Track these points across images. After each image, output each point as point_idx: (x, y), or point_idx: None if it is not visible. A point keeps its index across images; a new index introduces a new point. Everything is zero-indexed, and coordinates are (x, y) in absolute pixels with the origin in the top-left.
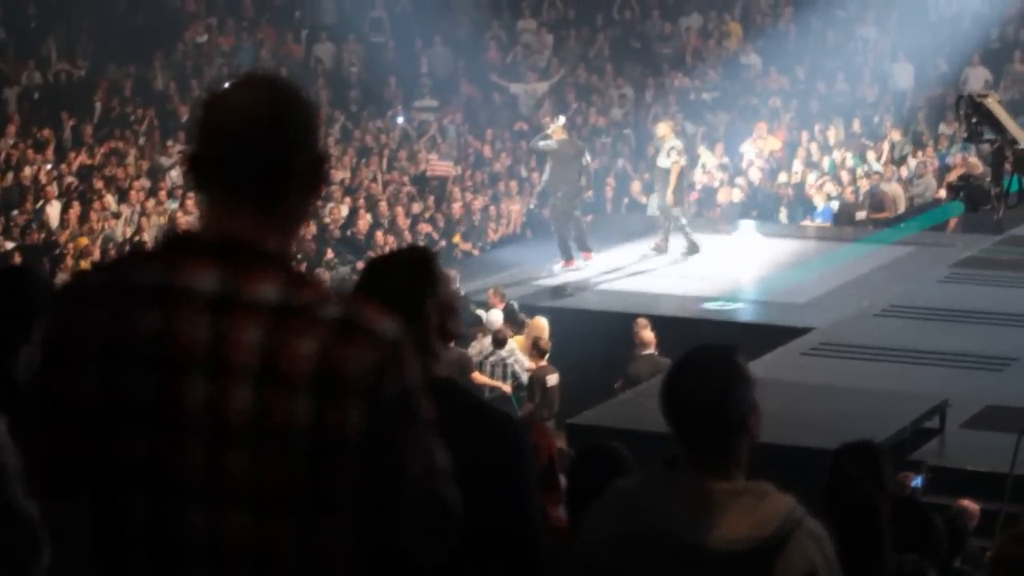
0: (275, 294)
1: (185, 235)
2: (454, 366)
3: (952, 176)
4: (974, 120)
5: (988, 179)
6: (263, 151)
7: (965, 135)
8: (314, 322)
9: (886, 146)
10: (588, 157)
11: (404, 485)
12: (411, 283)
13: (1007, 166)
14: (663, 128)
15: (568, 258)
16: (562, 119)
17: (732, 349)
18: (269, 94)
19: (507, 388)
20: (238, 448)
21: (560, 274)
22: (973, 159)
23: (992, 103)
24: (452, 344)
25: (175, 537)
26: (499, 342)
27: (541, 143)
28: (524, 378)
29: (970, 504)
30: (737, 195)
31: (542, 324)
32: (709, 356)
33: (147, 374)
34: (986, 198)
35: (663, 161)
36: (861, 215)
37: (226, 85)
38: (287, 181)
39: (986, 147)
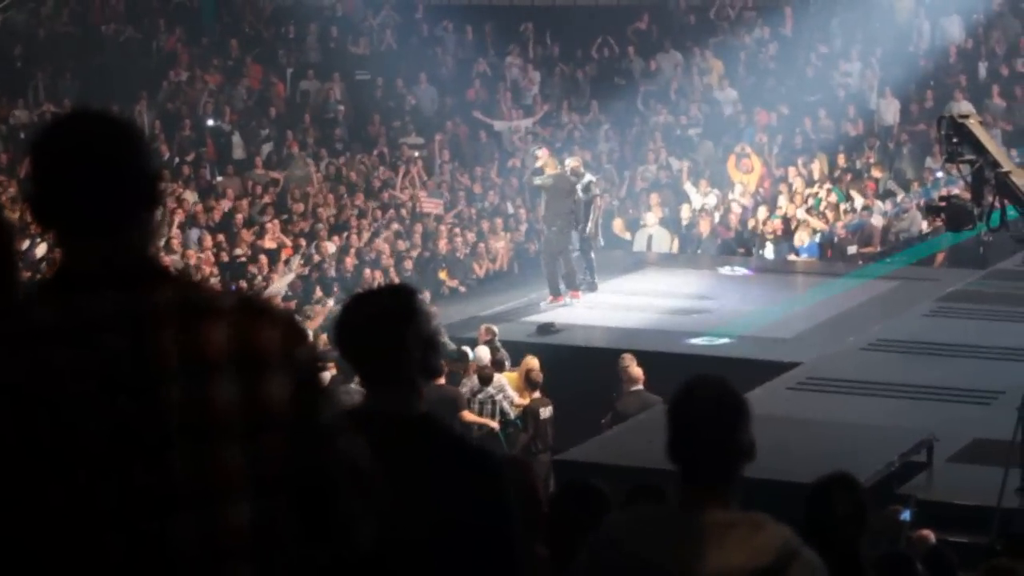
0: (174, 297)
1: (68, 270)
2: (446, 404)
3: (933, 199)
4: (955, 140)
5: (970, 200)
6: (106, 183)
7: (945, 156)
8: (218, 311)
9: (870, 181)
10: (581, 192)
11: (329, 454)
12: (391, 320)
13: (988, 189)
14: (573, 162)
15: (556, 294)
16: (544, 149)
17: (728, 380)
18: (101, 128)
19: (495, 425)
20: (181, 447)
21: (547, 309)
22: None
23: (973, 124)
24: (443, 382)
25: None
26: (484, 379)
27: (536, 180)
28: (512, 414)
29: (928, 534)
30: (722, 230)
31: (533, 362)
32: (716, 386)
33: (80, 403)
34: (968, 218)
35: (582, 195)
36: (852, 249)
37: (53, 125)
38: (130, 201)
39: (966, 168)
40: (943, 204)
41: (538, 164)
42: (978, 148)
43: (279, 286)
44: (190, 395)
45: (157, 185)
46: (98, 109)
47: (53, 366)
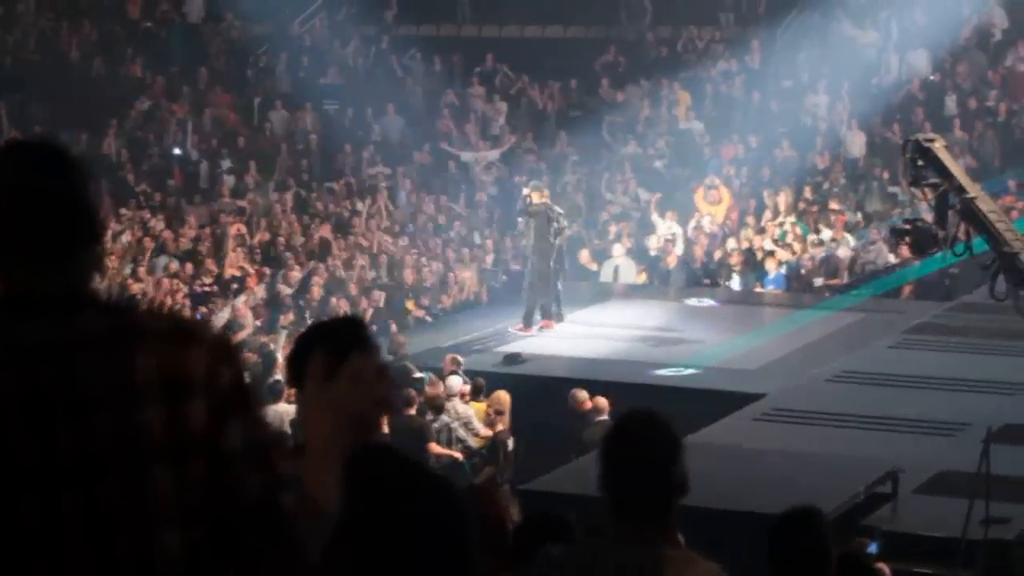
0: (103, 324)
1: (4, 298)
2: (412, 435)
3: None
4: (919, 164)
5: (934, 223)
6: (47, 214)
7: (909, 179)
8: (147, 338)
9: (838, 214)
10: (562, 220)
11: (234, 482)
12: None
13: (952, 214)
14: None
15: (529, 324)
16: (534, 183)
17: (661, 415)
18: (45, 160)
19: (458, 455)
20: (113, 477)
21: (515, 339)
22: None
23: (939, 149)
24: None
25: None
26: (436, 408)
27: (522, 218)
28: (472, 443)
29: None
30: (689, 261)
31: (504, 395)
32: (650, 423)
33: (19, 432)
34: (933, 242)
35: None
36: (818, 281)
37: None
38: (74, 237)
39: (929, 191)
40: (907, 227)
41: (530, 198)
42: (943, 172)
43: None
44: (119, 421)
45: (97, 219)
46: (44, 140)
47: None
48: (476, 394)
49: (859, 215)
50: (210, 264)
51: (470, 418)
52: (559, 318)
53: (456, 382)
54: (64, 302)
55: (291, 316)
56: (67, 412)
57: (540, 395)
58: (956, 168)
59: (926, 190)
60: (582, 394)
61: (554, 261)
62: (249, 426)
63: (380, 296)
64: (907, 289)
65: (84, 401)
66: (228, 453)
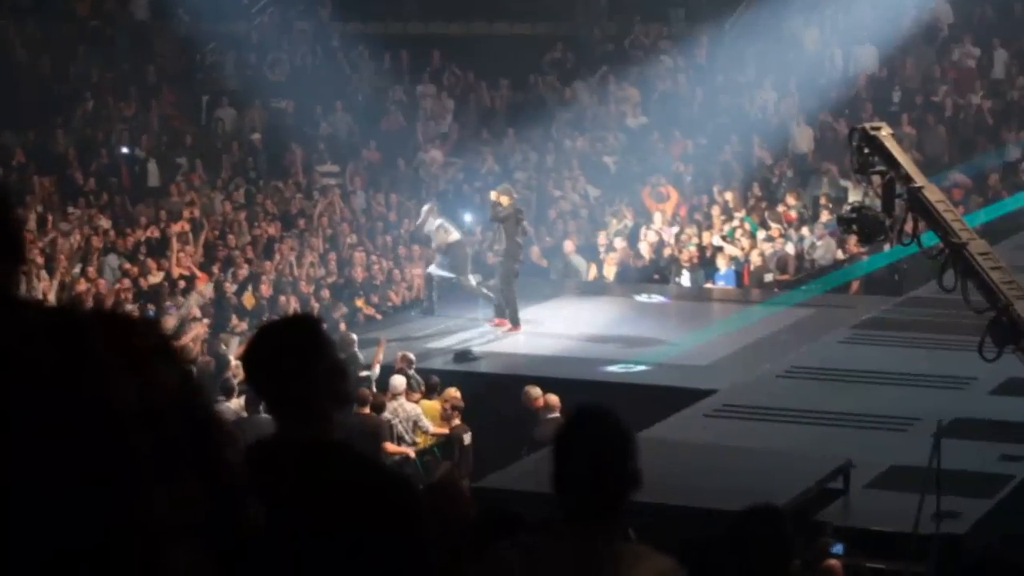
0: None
1: None
2: (368, 433)
3: (844, 208)
4: (866, 151)
5: (881, 211)
6: None
7: (856, 166)
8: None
9: (784, 209)
10: (525, 220)
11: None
12: (296, 350)
13: (899, 202)
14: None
15: (501, 316)
16: (504, 187)
17: (611, 410)
18: None
19: (410, 452)
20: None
21: (503, 337)
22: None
23: (885, 137)
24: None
25: None
26: (376, 407)
27: (496, 222)
28: (409, 438)
29: (835, 564)
30: (639, 258)
31: (454, 392)
32: (600, 419)
33: None
34: (880, 229)
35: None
36: (768, 277)
37: None
38: None
39: (876, 178)
40: (854, 216)
41: (499, 203)
42: (889, 160)
43: (184, 312)
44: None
45: (20, 239)
46: None
47: None
48: (430, 392)
49: (808, 211)
50: (157, 263)
51: (418, 416)
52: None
53: (399, 381)
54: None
55: (244, 325)
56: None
57: (490, 392)
58: (903, 157)
59: (873, 178)
60: (535, 391)
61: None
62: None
63: (327, 294)
64: (856, 284)
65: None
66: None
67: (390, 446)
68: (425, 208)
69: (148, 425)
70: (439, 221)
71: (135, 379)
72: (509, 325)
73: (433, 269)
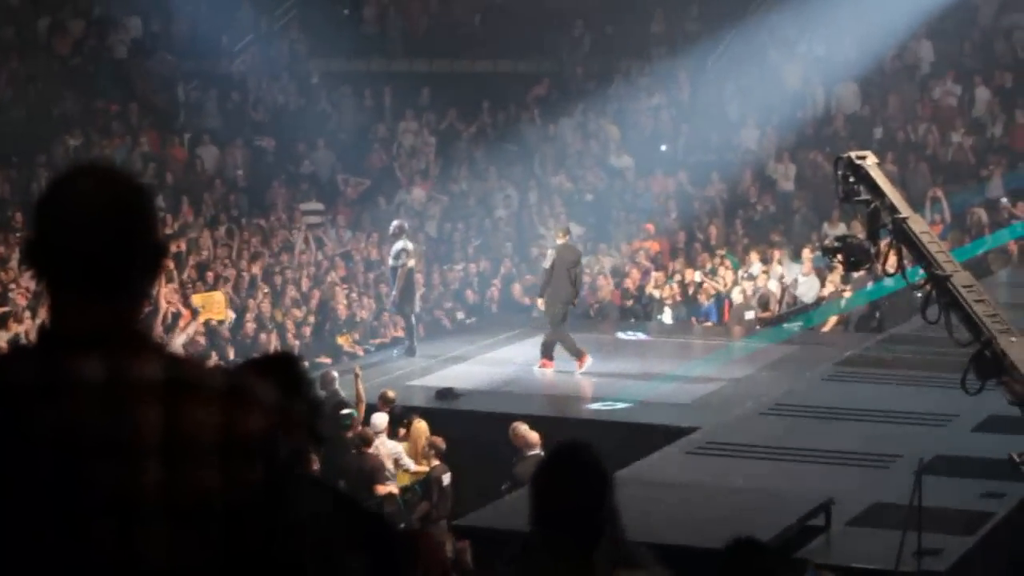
0: (160, 372)
1: (54, 330)
2: (365, 474)
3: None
4: (851, 180)
5: (866, 239)
6: (107, 237)
7: (841, 195)
8: (207, 393)
9: (770, 247)
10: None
11: (281, 544)
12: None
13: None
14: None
15: (578, 356)
16: (562, 226)
17: (590, 447)
18: (109, 182)
19: (394, 489)
20: (153, 524)
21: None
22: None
23: (871, 166)
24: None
25: None
26: (365, 443)
27: (546, 264)
28: (392, 475)
29: None
30: (622, 294)
31: (422, 427)
32: (578, 456)
33: (53, 465)
34: (865, 257)
35: (391, 261)
36: (750, 314)
37: (65, 174)
38: (130, 266)
39: (861, 207)
40: (838, 244)
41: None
42: (875, 190)
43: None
44: (169, 474)
45: (161, 254)
46: (115, 168)
47: (24, 423)
48: (407, 428)
49: (790, 247)
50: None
51: (399, 454)
52: (411, 353)
53: (381, 419)
54: (116, 340)
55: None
56: (106, 455)
57: (472, 430)
58: (888, 186)
59: (858, 207)
60: (522, 427)
61: (391, 297)
62: (296, 498)
63: (308, 332)
64: (838, 321)
65: (129, 447)
66: (272, 521)
67: (381, 488)
68: (395, 223)
69: None
70: (402, 244)
71: None
72: (552, 365)
73: (392, 305)
